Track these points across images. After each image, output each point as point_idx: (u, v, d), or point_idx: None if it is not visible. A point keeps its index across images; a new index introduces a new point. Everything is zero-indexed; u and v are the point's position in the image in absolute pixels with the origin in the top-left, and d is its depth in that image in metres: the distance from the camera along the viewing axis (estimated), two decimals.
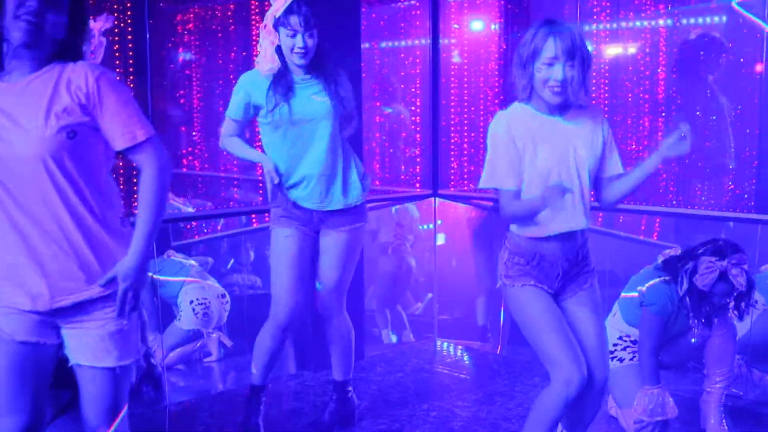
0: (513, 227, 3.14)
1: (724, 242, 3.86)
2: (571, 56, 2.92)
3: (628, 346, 4.00)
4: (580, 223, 3.06)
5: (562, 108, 3.02)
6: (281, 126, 3.74)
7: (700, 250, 3.83)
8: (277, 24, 3.68)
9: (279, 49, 3.72)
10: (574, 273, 3.13)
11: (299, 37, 3.65)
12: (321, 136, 3.76)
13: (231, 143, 3.87)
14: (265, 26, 3.72)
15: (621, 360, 3.98)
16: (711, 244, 3.83)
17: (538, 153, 3.00)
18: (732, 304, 3.87)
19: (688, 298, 3.83)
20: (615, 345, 3.99)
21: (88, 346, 2.42)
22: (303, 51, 3.67)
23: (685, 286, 3.81)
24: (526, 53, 2.98)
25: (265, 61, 3.75)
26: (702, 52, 5.17)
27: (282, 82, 3.73)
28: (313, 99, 3.76)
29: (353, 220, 3.92)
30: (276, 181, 3.72)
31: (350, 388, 4.17)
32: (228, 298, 5.29)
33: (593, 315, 3.14)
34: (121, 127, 2.32)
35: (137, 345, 2.53)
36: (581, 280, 3.14)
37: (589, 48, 3.08)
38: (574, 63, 2.93)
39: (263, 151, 3.84)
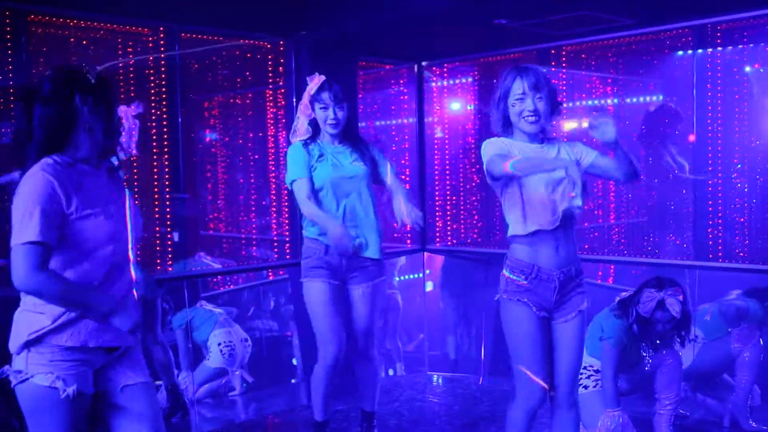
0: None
1: (663, 278, 4.01)
2: (537, 90, 3.01)
3: (591, 375, 4.05)
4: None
5: (539, 139, 3.12)
6: (323, 186, 3.77)
7: (644, 285, 4.00)
8: (313, 100, 3.79)
9: (314, 122, 3.82)
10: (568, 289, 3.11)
11: (330, 110, 3.76)
12: (358, 194, 3.80)
13: (310, 209, 3.76)
14: (302, 102, 3.84)
15: (586, 387, 4.02)
16: (652, 279, 4.00)
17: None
18: (676, 333, 3.98)
19: (635, 326, 3.95)
20: (580, 374, 3.90)
21: None
22: (334, 122, 3.77)
23: (633, 315, 3.94)
24: (499, 94, 3.09)
25: (298, 134, 3.86)
26: (666, 121, 5.22)
27: (317, 151, 3.79)
28: (351, 164, 3.82)
29: (377, 274, 3.91)
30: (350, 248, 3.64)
31: (375, 421, 4.11)
32: (250, 341, 5.41)
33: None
34: None
35: None
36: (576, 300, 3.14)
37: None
38: (542, 96, 3.02)
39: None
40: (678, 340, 4.03)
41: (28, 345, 2.36)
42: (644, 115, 5.35)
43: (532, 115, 3.03)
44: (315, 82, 3.79)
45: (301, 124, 3.86)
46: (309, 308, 3.87)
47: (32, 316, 2.37)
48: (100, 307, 2.36)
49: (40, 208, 2.27)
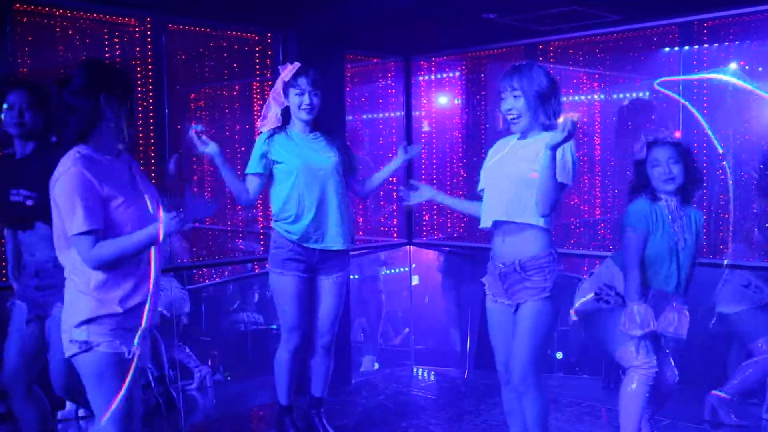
0: None
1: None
2: (512, 87, 3.14)
3: (609, 294, 3.71)
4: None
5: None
6: (292, 175, 3.80)
7: None
8: (288, 86, 3.80)
9: (285, 111, 3.84)
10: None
11: (306, 95, 3.77)
12: (327, 184, 3.83)
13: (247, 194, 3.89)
14: (275, 90, 3.85)
15: (607, 302, 3.72)
16: None
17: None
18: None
19: (636, 179, 3.71)
20: (600, 290, 3.74)
21: None
22: (309, 107, 3.78)
23: (635, 171, 3.72)
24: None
25: (269, 123, 3.88)
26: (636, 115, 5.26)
27: (290, 139, 3.82)
28: (321, 154, 3.84)
29: (344, 266, 3.98)
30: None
31: (324, 406, 4.18)
32: None
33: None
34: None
35: None
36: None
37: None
38: (520, 92, 3.11)
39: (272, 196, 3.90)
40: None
41: (89, 321, 2.54)
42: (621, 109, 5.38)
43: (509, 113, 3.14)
44: (290, 69, 3.82)
45: (273, 112, 3.87)
46: (277, 298, 3.96)
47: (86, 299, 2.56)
48: (157, 234, 2.49)
49: (82, 201, 2.48)
